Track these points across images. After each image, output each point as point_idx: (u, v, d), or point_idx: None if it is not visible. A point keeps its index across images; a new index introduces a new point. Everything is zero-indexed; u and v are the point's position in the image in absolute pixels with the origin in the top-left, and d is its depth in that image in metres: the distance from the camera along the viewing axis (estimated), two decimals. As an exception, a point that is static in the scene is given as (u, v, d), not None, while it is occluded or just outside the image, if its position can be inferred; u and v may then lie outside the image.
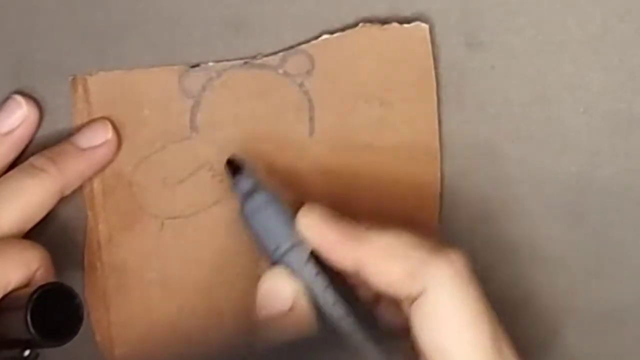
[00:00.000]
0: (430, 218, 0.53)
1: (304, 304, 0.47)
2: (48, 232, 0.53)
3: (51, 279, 0.49)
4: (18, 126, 0.52)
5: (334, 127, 0.53)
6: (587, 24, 0.52)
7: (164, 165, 0.53)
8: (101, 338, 0.54)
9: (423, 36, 0.52)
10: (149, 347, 0.54)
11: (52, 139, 0.53)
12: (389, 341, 0.46)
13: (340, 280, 0.48)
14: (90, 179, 0.53)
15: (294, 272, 0.47)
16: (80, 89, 0.53)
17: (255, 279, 0.53)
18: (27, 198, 0.50)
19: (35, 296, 0.46)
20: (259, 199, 0.49)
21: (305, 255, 0.48)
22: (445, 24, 0.52)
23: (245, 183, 0.49)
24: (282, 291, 0.47)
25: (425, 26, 0.52)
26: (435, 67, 0.52)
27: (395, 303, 0.47)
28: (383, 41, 0.52)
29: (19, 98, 0.52)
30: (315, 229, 0.47)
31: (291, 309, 0.47)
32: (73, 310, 0.47)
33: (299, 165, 0.53)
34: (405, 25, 0.52)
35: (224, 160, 0.53)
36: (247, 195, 0.49)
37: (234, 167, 0.50)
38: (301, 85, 0.53)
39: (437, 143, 0.53)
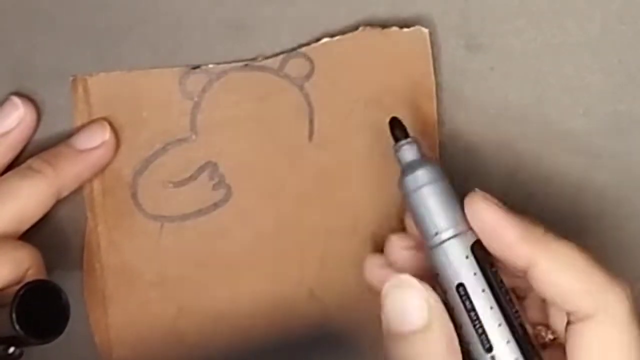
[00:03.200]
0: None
1: (442, 321, 0.42)
2: (47, 234, 0.53)
3: (42, 278, 0.49)
4: (14, 128, 0.52)
5: (334, 129, 0.53)
6: (587, 26, 0.52)
7: (164, 166, 0.53)
8: (100, 340, 0.54)
9: (423, 40, 0.52)
10: (147, 349, 0.54)
11: (52, 140, 0.53)
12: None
13: (499, 288, 0.43)
14: (89, 180, 0.53)
15: (449, 265, 0.43)
16: (80, 89, 0.53)
17: (257, 280, 0.53)
18: (23, 200, 0.50)
19: (21, 292, 0.45)
20: (424, 175, 0.45)
21: (466, 248, 0.43)
22: (445, 26, 0.52)
23: (409, 152, 0.46)
24: (416, 307, 0.42)
25: (425, 30, 0.52)
26: (435, 69, 0.52)
27: (542, 307, 0.46)
28: (383, 44, 0.52)
29: (15, 99, 0.52)
30: (490, 221, 0.43)
31: (426, 327, 0.42)
32: (60, 309, 0.47)
33: (298, 167, 0.53)
34: (405, 30, 0.52)
35: (225, 162, 0.53)
36: (411, 168, 0.45)
37: (398, 131, 0.46)
38: (301, 88, 0.53)
39: (436, 145, 0.53)
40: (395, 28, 0.52)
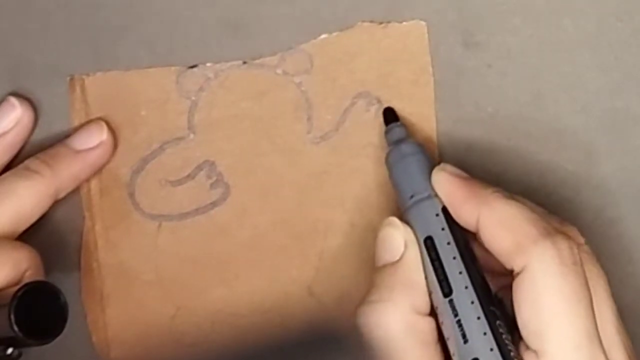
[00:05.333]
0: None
1: (413, 257, 0.47)
2: (45, 233, 0.53)
3: (40, 279, 0.49)
4: (12, 128, 0.52)
5: (332, 125, 0.53)
6: (583, 24, 0.52)
7: (162, 166, 0.53)
8: (98, 339, 0.54)
9: (421, 33, 0.52)
10: (145, 348, 0.54)
11: (49, 140, 0.53)
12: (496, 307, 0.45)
13: (463, 244, 0.47)
14: (87, 180, 0.53)
15: (421, 221, 0.47)
16: (77, 89, 0.53)
17: (255, 279, 0.53)
18: (20, 200, 0.50)
19: (19, 294, 0.45)
20: (405, 148, 0.50)
21: (437, 207, 0.47)
22: (442, 24, 0.52)
23: (396, 132, 0.51)
24: (393, 241, 0.47)
25: (422, 23, 0.52)
26: (433, 67, 0.52)
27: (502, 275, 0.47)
28: (381, 39, 0.52)
29: (12, 100, 0.52)
30: (446, 184, 0.48)
31: (400, 260, 0.47)
32: (58, 310, 0.47)
33: (297, 165, 0.53)
34: (404, 23, 0.52)
35: (222, 161, 0.53)
36: (395, 144, 0.50)
37: (389, 116, 0.52)
38: (299, 84, 0.53)
39: (435, 139, 0.53)
40: (393, 22, 0.52)
